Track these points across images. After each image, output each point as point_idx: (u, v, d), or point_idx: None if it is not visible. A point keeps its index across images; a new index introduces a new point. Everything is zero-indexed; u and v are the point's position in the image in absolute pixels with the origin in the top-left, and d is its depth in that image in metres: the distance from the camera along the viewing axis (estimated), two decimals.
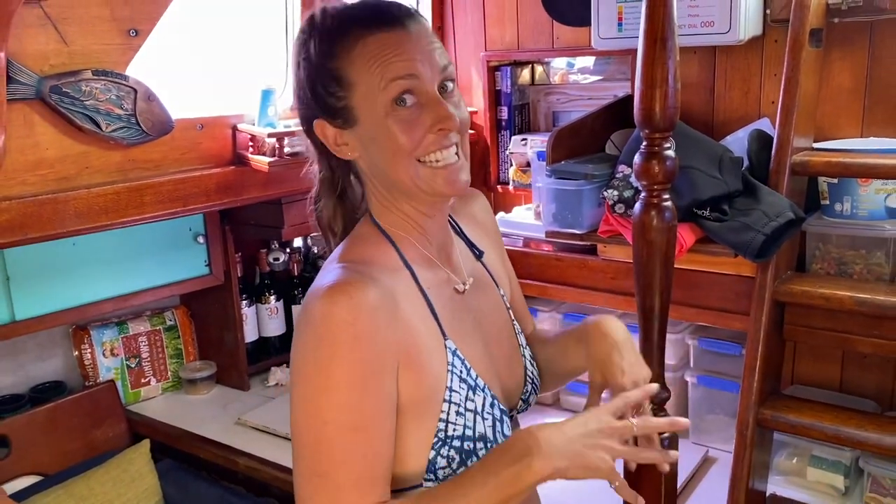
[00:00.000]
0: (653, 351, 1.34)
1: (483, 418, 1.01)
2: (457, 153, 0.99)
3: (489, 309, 1.14)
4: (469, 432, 0.99)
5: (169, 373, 2.45)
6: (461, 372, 1.00)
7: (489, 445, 1.00)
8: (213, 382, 2.46)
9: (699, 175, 1.57)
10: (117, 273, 2.16)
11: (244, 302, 2.45)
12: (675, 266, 1.73)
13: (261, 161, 1.85)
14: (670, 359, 1.98)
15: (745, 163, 1.69)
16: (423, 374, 0.97)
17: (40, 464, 2.08)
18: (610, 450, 0.91)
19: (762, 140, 1.69)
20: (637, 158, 1.27)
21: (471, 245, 1.18)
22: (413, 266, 1.03)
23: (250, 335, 2.48)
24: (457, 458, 0.98)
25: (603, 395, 1.10)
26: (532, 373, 1.17)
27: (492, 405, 1.02)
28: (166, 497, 2.11)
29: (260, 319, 2.51)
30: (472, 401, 1.00)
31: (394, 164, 0.98)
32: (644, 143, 1.26)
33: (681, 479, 1.81)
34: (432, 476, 0.98)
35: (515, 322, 1.19)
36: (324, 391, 0.90)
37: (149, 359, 2.40)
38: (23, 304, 1.98)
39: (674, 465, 1.41)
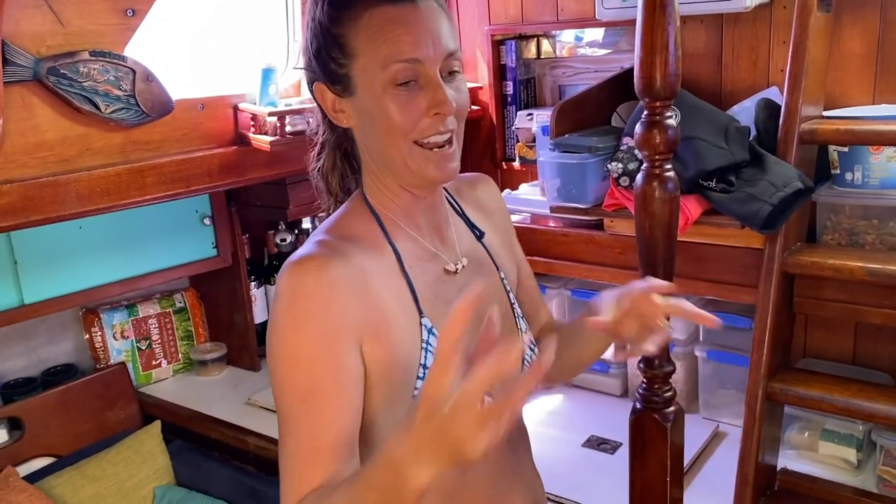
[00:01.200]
0: None
1: None
2: (449, 139, 0.97)
3: (488, 290, 1.10)
4: None
5: (180, 354, 2.46)
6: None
7: None
8: (224, 363, 2.48)
9: (705, 146, 1.54)
10: (125, 256, 2.17)
11: (253, 283, 2.45)
12: (682, 239, 1.71)
13: (262, 140, 1.84)
14: (680, 333, 1.96)
15: (753, 133, 1.65)
16: (392, 349, 0.96)
17: (53, 445, 2.10)
18: (472, 430, 0.68)
19: (770, 109, 1.65)
20: (637, 128, 1.24)
21: (471, 226, 1.15)
22: (397, 244, 1.02)
23: (260, 316, 2.49)
24: None
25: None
26: (530, 358, 1.13)
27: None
28: (178, 477, 2.13)
29: (269, 300, 2.51)
30: None
31: (387, 142, 0.96)
32: (645, 113, 1.23)
33: (690, 455, 1.80)
34: None
35: (516, 306, 1.16)
36: (281, 361, 0.91)
37: (159, 341, 2.41)
38: (31, 287, 2.00)
39: (680, 440, 1.39)
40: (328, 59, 0.98)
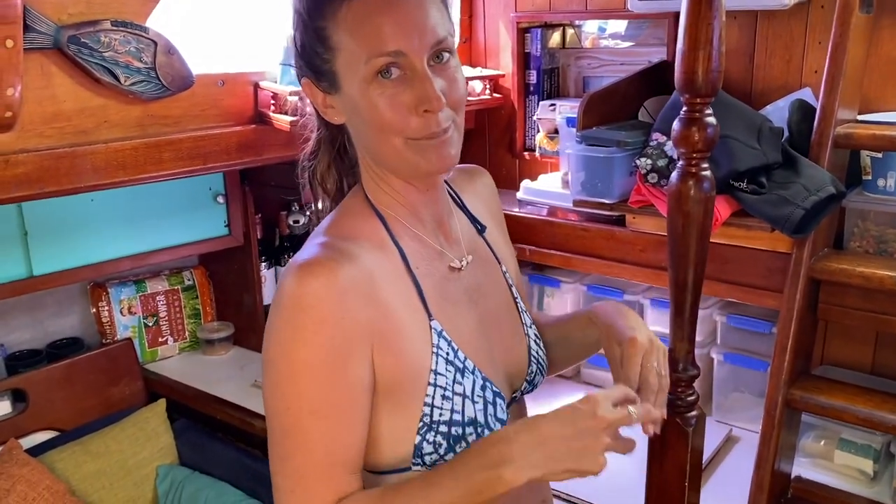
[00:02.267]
0: (684, 326, 1.29)
1: (473, 402, 0.95)
2: (446, 129, 0.91)
3: (489, 286, 1.08)
4: (457, 417, 0.93)
5: (186, 332, 2.43)
6: (447, 354, 0.95)
7: (480, 430, 0.95)
8: (231, 344, 2.45)
9: (737, 145, 1.51)
10: (136, 231, 2.14)
11: (263, 264, 2.42)
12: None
13: (282, 120, 1.80)
14: (697, 335, 1.93)
15: (785, 134, 1.62)
16: (402, 356, 0.92)
17: (57, 419, 2.08)
18: (601, 446, 0.83)
19: (804, 110, 1.61)
20: (676, 125, 1.20)
21: (473, 219, 1.12)
22: (401, 243, 0.97)
23: (269, 297, 2.46)
24: (444, 443, 0.93)
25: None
26: (537, 353, 1.11)
27: (483, 388, 0.97)
28: (181, 457, 2.11)
29: (279, 282, 2.48)
30: (461, 384, 0.94)
31: (379, 139, 0.92)
32: (684, 109, 1.19)
33: (704, 457, 1.77)
34: (419, 461, 0.93)
35: (519, 300, 1.13)
36: (287, 375, 0.86)
37: (166, 318, 2.38)
38: (41, 259, 1.97)
39: (701, 445, 1.36)
40: (312, 55, 0.93)
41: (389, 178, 0.97)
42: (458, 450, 0.92)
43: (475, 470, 0.84)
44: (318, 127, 1.04)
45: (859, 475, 1.66)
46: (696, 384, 1.97)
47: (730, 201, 1.55)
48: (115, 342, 2.24)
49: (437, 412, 0.92)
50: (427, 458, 0.92)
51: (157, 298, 2.36)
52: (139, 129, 1.67)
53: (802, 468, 1.70)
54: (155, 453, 2.05)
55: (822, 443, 1.72)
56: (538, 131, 2.25)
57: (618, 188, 1.68)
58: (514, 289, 1.13)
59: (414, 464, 0.93)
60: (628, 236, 1.88)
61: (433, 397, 0.92)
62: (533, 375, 1.10)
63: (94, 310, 2.26)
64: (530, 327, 1.12)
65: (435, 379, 0.92)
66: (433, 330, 0.94)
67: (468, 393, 0.95)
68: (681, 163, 1.23)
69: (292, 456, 0.87)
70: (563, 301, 2.16)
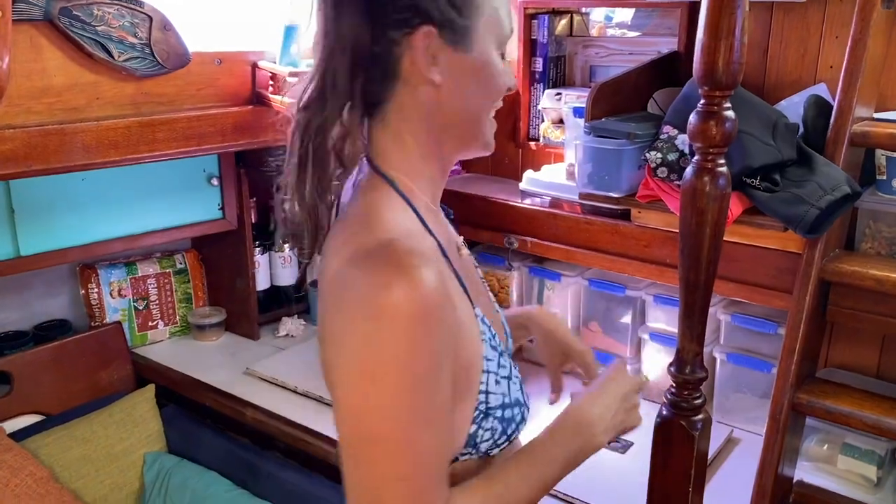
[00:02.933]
0: (694, 327, 1.25)
1: (512, 382, 0.98)
2: None
3: (472, 268, 1.11)
4: (507, 399, 0.95)
5: (177, 317, 2.38)
6: (490, 339, 0.95)
7: (522, 410, 0.99)
8: (223, 329, 2.40)
9: (752, 141, 1.46)
10: (127, 212, 2.08)
11: (257, 249, 2.37)
12: None
13: (279, 101, 1.74)
14: None
15: (800, 130, 1.57)
16: (464, 349, 0.89)
17: (42, 403, 2.03)
18: (638, 404, 1.11)
19: (819, 106, 1.57)
20: (693, 118, 1.15)
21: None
22: (433, 231, 0.93)
23: (262, 283, 2.41)
24: (499, 428, 0.94)
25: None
26: (508, 331, 1.14)
27: (515, 366, 1.01)
28: (170, 444, 2.07)
29: (273, 268, 2.43)
30: (504, 366, 0.96)
31: (483, 104, 0.94)
32: (702, 102, 1.14)
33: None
34: (473, 450, 0.94)
35: (485, 281, 1.17)
36: (401, 390, 0.79)
37: (157, 301, 2.33)
38: (28, 239, 1.91)
39: (706, 449, 1.32)
40: (449, 6, 0.87)
41: (443, 149, 0.95)
42: (509, 431, 0.96)
43: (570, 438, 0.98)
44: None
45: (862, 481, 1.63)
46: None
47: (742, 198, 1.51)
48: (105, 325, 2.18)
49: (491, 398, 0.93)
50: (482, 446, 0.94)
51: (148, 282, 2.30)
52: (132, 108, 1.61)
53: (805, 472, 1.66)
54: (142, 440, 2.00)
55: (826, 447, 1.68)
56: (543, 120, 2.20)
57: (626, 182, 1.63)
58: (479, 269, 1.15)
59: (463, 454, 0.93)
60: (633, 231, 1.84)
61: (487, 384, 0.92)
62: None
63: (83, 292, 2.20)
64: (500, 307, 1.16)
65: (487, 365, 0.93)
66: (477, 317, 0.94)
67: (510, 374, 0.97)
68: (696, 158, 1.18)
69: (414, 472, 0.81)
70: (563, 295, 2.12)
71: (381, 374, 0.79)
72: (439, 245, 0.92)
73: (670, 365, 1.29)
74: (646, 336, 1.97)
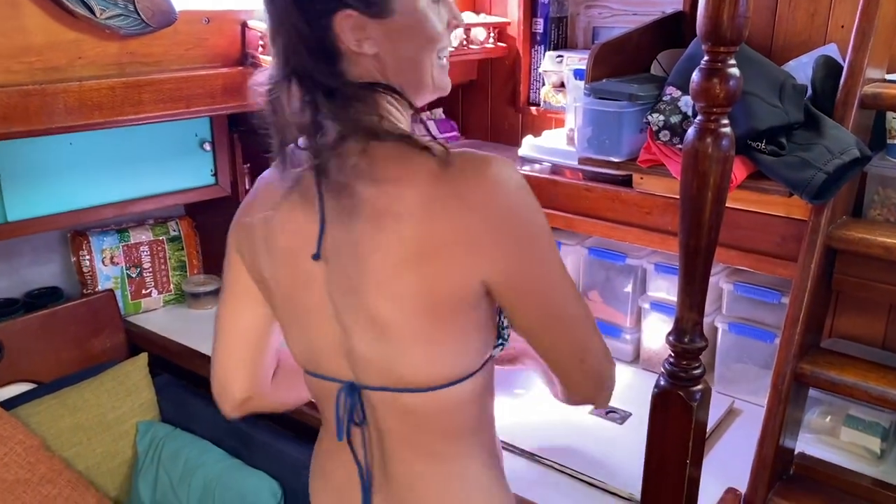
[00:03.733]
0: (694, 295, 1.20)
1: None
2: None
3: None
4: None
5: (171, 285, 2.35)
6: None
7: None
8: (217, 298, 2.36)
9: (757, 102, 1.40)
10: (117, 178, 2.04)
11: None
12: None
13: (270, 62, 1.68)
14: None
15: (808, 92, 1.51)
16: None
17: (34, 371, 2.01)
18: None
19: (829, 67, 1.50)
20: (695, 76, 1.10)
21: None
22: None
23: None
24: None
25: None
26: None
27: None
28: (163, 413, 2.04)
29: None
30: None
31: (423, 55, 0.97)
32: (705, 59, 1.09)
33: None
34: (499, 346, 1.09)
35: None
36: (553, 244, 0.99)
37: (150, 269, 2.29)
38: (15, 204, 1.87)
39: (705, 420, 1.29)
40: None
41: (402, 105, 0.98)
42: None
43: None
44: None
45: (866, 453, 1.60)
46: None
47: (746, 163, 1.46)
48: (96, 293, 2.15)
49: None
50: (496, 350, 1.08)
51: (141, 249, 2.27)
52: (116, 68, 1.56)
53: (807, 444, 1.63)
54: (135, 408, 1.98)
55: (829, 419, 1.65)
56: (543, 84, 2.14)
57: (626, 146, 1.58)
58: None
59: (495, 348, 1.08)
60: (634, 198, 1.78)
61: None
62: None
63: (75, 259, 2.17)
64: None
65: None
66: None
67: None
68: (699, 118, 1.13)
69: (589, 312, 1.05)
70: (565, 264, 2.07)
71: (540, 230, 0.98)
72: None
73: (669, 334, 1.25)
74: (646, 306, 1.93)
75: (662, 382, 1.26)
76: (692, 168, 1.14)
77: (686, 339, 1.22)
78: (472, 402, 1.03)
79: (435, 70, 0.99)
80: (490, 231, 0.90)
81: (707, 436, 1.71)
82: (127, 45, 1.55)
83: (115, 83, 1.54)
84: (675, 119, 1.45)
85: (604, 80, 1.60)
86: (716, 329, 1.84)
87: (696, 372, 1.24)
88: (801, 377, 1.48)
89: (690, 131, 1.13)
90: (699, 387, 1.25)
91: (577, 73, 1.76)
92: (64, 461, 1.78)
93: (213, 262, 2.41)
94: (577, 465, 1.56)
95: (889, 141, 1.54)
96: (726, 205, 1.58)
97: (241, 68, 1.74)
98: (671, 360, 1.25)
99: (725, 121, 1.12)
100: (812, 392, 1.60)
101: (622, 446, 1.63)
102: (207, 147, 2.15)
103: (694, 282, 1.20)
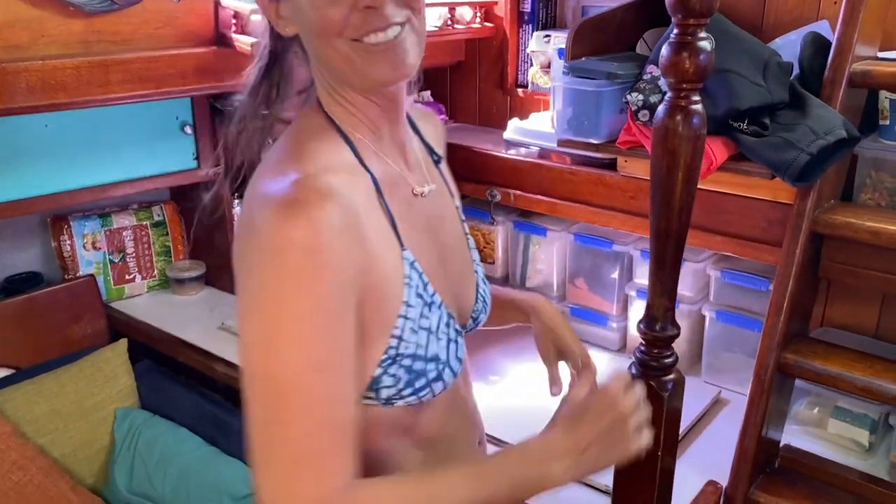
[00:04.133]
0: (665, 280, 1.16)
1: (437, 338, 0.91)
2: (396, 26, 0.83)
3: (446, 217, 1.04)
4: (421, 352, 0.89)
5: (156, 270, 2.32)
6: (418, 286, 0.90)
7: (441, 368, 0.91)
8: (202, 283, 2.34)
9: (739, 80, 1.34)
10: (95, 161, 1.99)
11: (236, 201, 2.28)
12: (702, 187, 1.52)
13: (244, 42, 1.64)
14: (687, 290, 1.80)
15: (796, 71, 1.45)
16: (380, 291, 0.85)
17: (12, 357, 1.98)
18: (628, 435, 0.90)
19: (818, 44, 1.44)
20: (664, 50, 1.05)
21: (430, 149, 1.07)
22: (370, 166, 0.90)
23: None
24: (404, 377, 0.88)
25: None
26: (484, 291, 1.09)
27: (447, 324, 0.93)
28: (142, 399, 2.02)
29: None
30: (427, 318, 0.90)
31: (322, 44, 0.85)
32: (675, 32, 1.03)
33: (688, 421, 1.66)
34: (373, 395, 0.88)
35: (470, 237, 1.10)
36: (282, 327, 0.76)
37: (134, 254, 2.26)
38: None
39: (678, 410, 1.24)
40: None
41: (347, 93, 0.89)
42: (417, 385, 0.89)
43: (525, 467, 0.87)
44: (265, 50, 0.94)
45: (854, 446, 1.54)
46: (685, 342, 1.85)
47: (728, 144, 1.40)
48: (77, 278, 2.12)
49: (403, 346, 0.87)
50: (384, 392, 0.88)
51: (124, 234, 2.24)
52: (82, 47, 1.52)
53: (793, 436, 1.58)
54: (113, 395, 1.96)
55: (816, 410, 1.59)
56: (532, 65, 2.08)
57: (606, 127, 1.52)
58: (465, 225, 1.10)
59: (367, 397, 0.88)
60: (619, 182, 1.74)
61: (402, 330, 0.87)
62: (478, 314, 1.07)
63: (55, 244, 2.14)
64: (479, 265, 1.10)
65: (406, 311, 0.87)
66: (405, 260, 0.89)
67: (434, 328, 0.91)
68: (668, 95, 1.08)
69: (292, 418, 0.76)
70: (549, 251, 2.03)
71: (258, 308, 0.77)
72: (374, 182, 0.89)
73: (640, 321, 1.20)
74: (633, 293, 1.88)
75: (633, 371, 1.21)
76: (662, 147, 1.09)
77: (657, 327, 1.17)
78: None
79: (353, 58, 0.83)
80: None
81: (691, 426, 1.67)
82: (93, 23, 1.52)
83: (80, 62, 1.50)
84: (654, 98, 1.40)
85: (583, 59, 1.54)
86: (703, 317, 1.79)
87: (668, 360, 1.19)
88: (784, 367, 1.43)
89: (660, 109, 1.08)
90: (671, 376, 1.20)
91: (561, 53, 1.71)
92: (38, 448, 1.76)
93: (198, 248, 2.38)
94: None
95: (881, 122, 1.48)
96: (711, 188, 1.56)
97: (214, 48, 1.70)
98: (642, 348, 1.20)
99: (696, 97, 1.06)
100: (799, 382, 1.55)
101: None
102: (188, 130, 2.11)
103: (665, 267, 1.15)
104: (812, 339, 1.52)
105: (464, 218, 1.10)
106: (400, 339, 0.87)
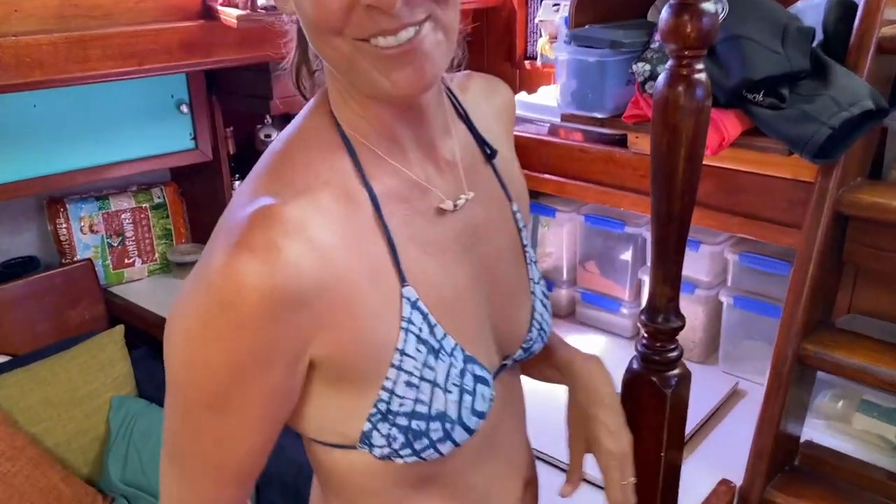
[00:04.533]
0: (667, 267, 1.05)
1: (445, 392, 0.74)
2: (419, 26, 0.64)
3: (492, 228, 0.84)
4: (422, 409, 0.73)
5: (156, 254, 2.27)
6: (421, 330, 0.73)
7: (450, 426, 0.74)
8: None
9: (755, 47, 1.23)
10: (88, 141, 1.94)
11: (237, 182, 2.22)
12: (715, 164, 1.42)
13: (229, 14, 1.56)
14: (704, 274, 1.70)
15: (819, 36, 1.33)
16: (359, 333, 0.70)
17: (9, 343, 1.95)
18: None
19: (844, 7, 1.32)
20: (664, 13, 0.93)
21: (481, 142, 0.85)
22: (373, 181, 0.72)
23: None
24: (400, 437, 0.73)
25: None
26: (542, 315, 0.89)
27: (462, 373, 0.75)
28: (139, 387, 1.97)
29: None
30: (432, 368, 0.73)
31: (319, 43, 0.67)
32: None
33: (703, 413, 1.57)
34: (366, 447, 0.74)
35: (530, 248, 0.90)
36: (189, 365, 0.67)
37: (133, 238, 2.21)
38: None
39: (683, 407, 1.15)
40: None
41: (353, 92, 0.71)
42: (417, 447, 0.73)
43: None
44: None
45: (880, 442, 1.43)
46: (701, 329, 1.75)
47: (741, 117, 1.29)
48: (74, 262, 2.08)
49: (396, 402, 0.72)
50: (377, 451, 0.74)
51: (123, 217, 2.18)
52: (59, 22, 1.45)
53: (816, 431, 1.48)
54: (109, 383, 1.91)
55: (840, 404, 1.49)
56: (540, 36, 1.98)
57: (612, 100, 1.42)
58: (523, 234, 0.89)
59: (361, 446, 0.74)
60: (629, 159, 1.63)
61: (395, 383, 0.71)
62: (531, 343, 0.88)
63: (51, 227, 2.09)
64: (538, 283, 0.90)
65: (401, 361, 0.71)
66: (405, 299, 0.72)
67: (440, 381, 0.74)
68: (670, 63, 0.97)
69: (184, 453, 0.72)
70: (558, 233, 1.93)
71: (175, 338, 0.68)
72: (374, 203, 0.71)
73: (641, 312, 1.11)
74: (646, 277, 1.78)
75: (635, 366, 1.12)
76: (662, 121, 0.98)
77: (660, 319, 1.07)
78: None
79: (359, 62, 0.65)
80: None
81: (706, 419, 1.57)
82: None
83: (57, 38, 1.43)
84: (662, 69, 1.29)
85: (586, 27, 1.43)
86: (720, 303, 1.69)
87: (672, 355, 1.09)
88: (804, 359, 1.33)
89: (660, 79, 0.98)
90: (676, 371, 1.10)
91: (567, 21, 1.60)
92: (28, 438, 1.72)
93: (200, 231, 2.32)
94: (554, 451, 1.43)
95: None
96: (726, 166, 1.45)
97: (201, 22, 1.62)
98: (644, 341, 1.10)
99: (700, 65, 0.96)
100: (822, 373, 1.45)
101: None
102: (185, 109, 2.04)
103: (667, 252, 1.05)
104: (835, 327, 1.41)
105: (524, 225, 0.89)
106: (392, 392, 0.71)
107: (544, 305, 0.90)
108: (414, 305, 0.72)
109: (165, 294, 2.18)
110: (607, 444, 0.95)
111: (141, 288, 2.21)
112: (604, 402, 0.96)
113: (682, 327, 1.09)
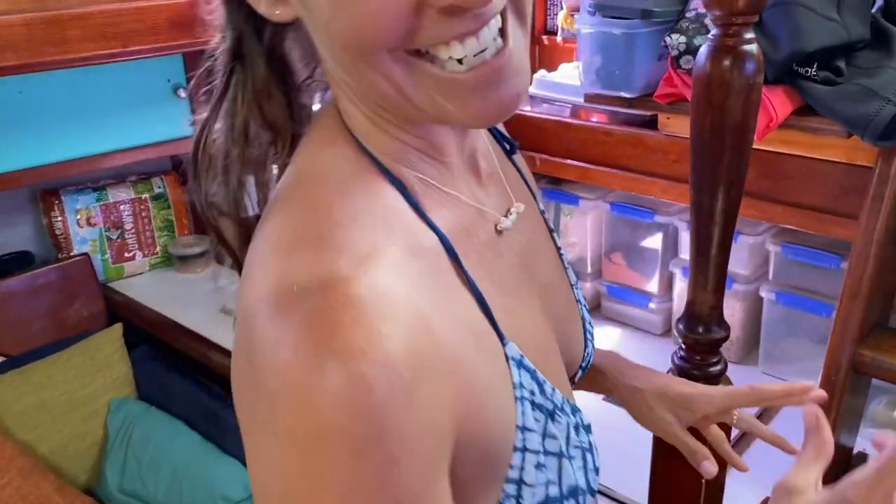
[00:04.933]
0: (709, 271, 0.92)
1: (569, 457, 0.59)
2: (498, 34, 0.50)
3: (535, 239, 0.71)
4: (554, 491, 0.57)
5: (158, 247, 2.16)
6: (533, 393, 0.57)
7: (582, 498, 0.60)
8: (209, 260, 2.17)
9: (806, 14, 1.08)
10: (81, 130, 1.84)
11: None
12: (760, 147, 1.27)
13: None
14: (742, 268, 1.55)
15: (879, 1, 1.17)
16: (482, 421, 0.52)
17: (3, 343, 1.86)
18: None
19: None
20: None
21: (499, 136, 0.73)
22: (433, 217, 0.56)
23: (250, 208, 2.15)
24: None
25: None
26: (590, 325, 0.77)
27: (576, 427, 0.62)
28: (139, 388, 1.87)
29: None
30: (554, 437, 0.58)
31: (352, 64, 0.51)
32: None
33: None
34: None
35: (564, 254, 0.77)
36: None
37: (133, 230, 2.11)
38: None
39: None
40: None
41: (388, 114, 0.56)
42: None
43: None
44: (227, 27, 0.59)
45: None
46: (739, 327, 1.60)
47: (791, 94, 1.14)
48: (70, 257, 1.98)
49: (528, 494, 0.56)
50: None
51: (121, 208, 2.08)
52: (34, 1, 1.33)
53: (868, 441, 1.33)
54: (107, 385, 1.81)
55: None
56: (561, 9, 1.83)
57: (641, 77, 1.27)
58: (556, 236, 0.77)
59: None
60: (660, 142, 1.48)
61: (522, 470, 0.55)
62: (588, 359, 0.77)
63: (46, 220, 1.99)
64: (577, 287, 0.77)
65: (524, 441, 0.55)
66: (511, 361, 0.56)
67: (564, 449, 0.59)
68: (714, 32, 0.83)
69: None
70: (582, 222, 1.79)
71: (276, 481, 0.45)
72: (446, 246, 0.56)
73: (678, 321, 0.97)
74: (678, 270, 1.64)
75: None
76: (704, 101, 0.84)
77: (700, 329, 0.94)
78: None
79: (416, 80, 0.50)
80: None
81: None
82: None
83: (31, 18, 1.31)
84: (700, 41, 1.14)
85: None
86: (760, 299, 1.55)
87: (715, 369, 0.96)
88: (860, 367, 1.19)
89: (702, 52, 0.84)
90: (720, 367, 0.97)
91: None
92: (19, 447, 1.62)
93: (203, 223, 2.21)
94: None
95: None
96: (769, 148, 1.30)
97: None
98: (681, 353, 0.98)
99: (750, 35, 0.82)
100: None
101: (638, 441, 1.36)
102: (182, 94, 1.92)
103: (709, 253, 0.92)
104: (894, 330, 1.27)
105: (553, 227, 0.77)
106: (520, 483, 0.55)
107: (589, 314, 0.78)
108: (520, 365, 0.57)
109: (166, 289, 2.08)
110: (683, 388, 0.83)
111: (142, 283, 2.11)
112: (639, 367, 0.86)
113: (726, 338, 0.96)
